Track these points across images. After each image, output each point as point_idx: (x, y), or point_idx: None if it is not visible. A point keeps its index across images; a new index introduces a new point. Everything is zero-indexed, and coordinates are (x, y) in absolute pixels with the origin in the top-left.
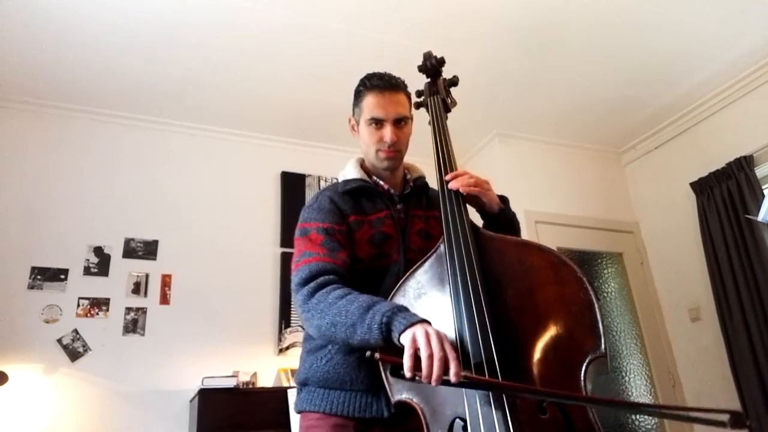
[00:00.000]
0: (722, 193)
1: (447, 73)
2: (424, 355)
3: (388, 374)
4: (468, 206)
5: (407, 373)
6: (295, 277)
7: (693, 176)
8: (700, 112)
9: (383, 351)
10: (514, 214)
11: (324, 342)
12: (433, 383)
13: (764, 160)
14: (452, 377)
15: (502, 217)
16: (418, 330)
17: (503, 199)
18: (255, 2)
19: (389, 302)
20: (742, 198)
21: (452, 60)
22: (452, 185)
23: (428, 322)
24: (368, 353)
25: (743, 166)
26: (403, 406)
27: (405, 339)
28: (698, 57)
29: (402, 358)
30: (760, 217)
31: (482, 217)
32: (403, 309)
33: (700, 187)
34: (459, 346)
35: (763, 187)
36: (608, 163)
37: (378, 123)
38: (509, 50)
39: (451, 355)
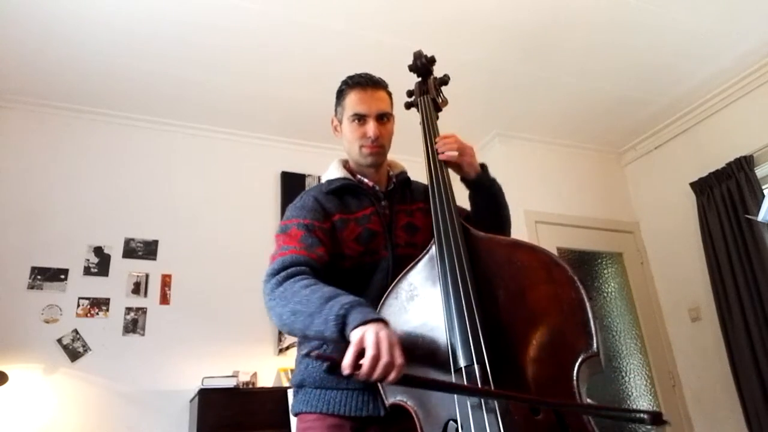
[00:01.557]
0: (722, 193)
1: (447, 72)
2: (369, 354)
3: (324, 371)
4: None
5: (345, 371)
6: (268, 269)
7: (693, 176)
8: (700, 112)
9: (337, 347)
10: (499, 188)
11: (284, 330)
12: (370, 380)
13: (764, 160)
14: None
15: (480, 184)
16: (370, 330)
17: (482, 167)
18: (255, 2)
19: (352, 297)
20: (742, 198)
21: (452, 60)
22: (443, 156)
23: (386, 323)
24: (303, 352)
25: (743, 166)
26: (398, 407)
27: (354, 335)
28: (698, 57)
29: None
30: (760, 217)
31: (466, 186)
32: (364, 305)
33: (700, 187)
34: (450, 348)
35: (763, 187)
36: (608, 163)
37: (361, 119)
38: (509, 50)
39: (397, 362)
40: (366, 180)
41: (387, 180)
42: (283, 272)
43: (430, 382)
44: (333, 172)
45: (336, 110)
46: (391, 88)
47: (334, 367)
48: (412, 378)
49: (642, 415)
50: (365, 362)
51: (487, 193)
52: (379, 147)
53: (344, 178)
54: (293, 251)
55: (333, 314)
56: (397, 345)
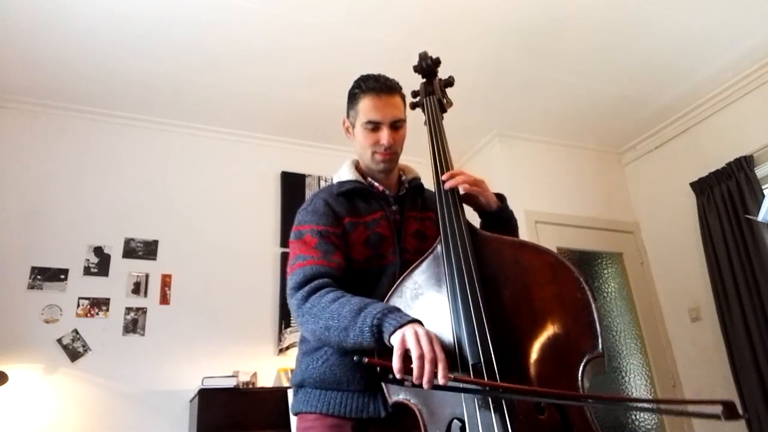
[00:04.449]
0: (722, 193)
1: (446, 73)
2: (414, 355)
3: (380, 380)
4: (465, 207)
5: (397, 375)
6: (290, 281)
7: (693, 176)
8: (700, 112)
9: (376, 354)
10: (511, 212)
11: (319, 344)
12: (425, 386)
13: (764, 160)
14: (440, 379)
15: (499, 215)
16: (408, 330)
17: (501, 197)
18: (254, 2)
19: (381, 304)
20: (742, 198)
21: (452, 60)
22: (448, 184)
23: (419, 322)
24: (356, 358)
25: (743, 166)
26: (401, 406)
27: (395, 340)
28: (698, 57)
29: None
30: (760, 217)
31: (480, 216)
32: (395, 310)
33: (700, 187)
34: (457, 347)
35: (763, 187)
36: (608, 163)
37: (375, 126)
38: (509, 50)
39: (440, 357)
40: (377, 184)
41: (398, 184)
42: (307, 286)
43: (475, 382)
44: (344, 173)
45: (348, 113)
46: None
47: (386, 372)
48: (461, 380)
49: (713, 409)
50: (414, 363)
51: (503, 226)
52: (392, 154)
53: (355, 181)
54: (312, 261)
55: (368, 325)
56: (437, 340)
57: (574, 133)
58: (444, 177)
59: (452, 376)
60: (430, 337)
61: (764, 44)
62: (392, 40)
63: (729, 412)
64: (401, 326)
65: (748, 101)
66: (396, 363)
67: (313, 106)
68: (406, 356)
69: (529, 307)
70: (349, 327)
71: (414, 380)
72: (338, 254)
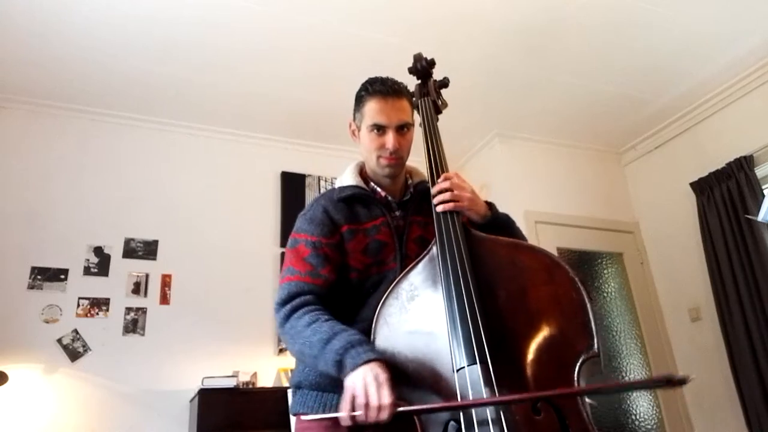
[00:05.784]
0: (722, 193)
1: (446, 73)
2: (359, 403)
3: None
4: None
5: (345, 423)
6: (276, 295)
7: (693, 176)
8: (700, 112)
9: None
10: (506, 217)
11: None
12: (368, 424)
13: (764, 160)
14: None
15: (491, 224)
16: (358, 377)
17: (490, 205)
18: (254, 2)
19: (346, 335)
20: (742, 198)
21: (452, 60)
22: (439, 208)
23: (378, 360)
24: (303, 417)
25: (743, 166)
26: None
27: (347, 384)
28: (698, 57)
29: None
30: (760, 217)
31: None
32: (357, 344)
33: (700, 187)
34: (451, 347)
35: (763, 187)
36: (608, 163)
37: (380, 129)
38: (509, 50)
39: (385, 402)
40: (379, 189)
41: (404, 188)
42: (288, 305)
43: (422, 410)
44: (347, 178)
45: (354, 115)
46: None
47: (338, 423)
48: (404, 411)
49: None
50: (359, 411)
51: (501, 232)
52: (398, 158)
53: (356, 186)
54: (298, 277)
55: (331, 360)
56: (385, 384)
57: (574, 133)
58: (435, 201)
59: (398, 411)
60: (378, 382)
61: (764, 44)
62: (391, 41)
63: (671, 383)
64: (356, 368)
65: (748, 101)
66: (344, 412)
67: (313, 106)
68: (353, 401)
69: (524, 308)
70: (318, 357)
71: (360, 423)
72: (328, 268)
